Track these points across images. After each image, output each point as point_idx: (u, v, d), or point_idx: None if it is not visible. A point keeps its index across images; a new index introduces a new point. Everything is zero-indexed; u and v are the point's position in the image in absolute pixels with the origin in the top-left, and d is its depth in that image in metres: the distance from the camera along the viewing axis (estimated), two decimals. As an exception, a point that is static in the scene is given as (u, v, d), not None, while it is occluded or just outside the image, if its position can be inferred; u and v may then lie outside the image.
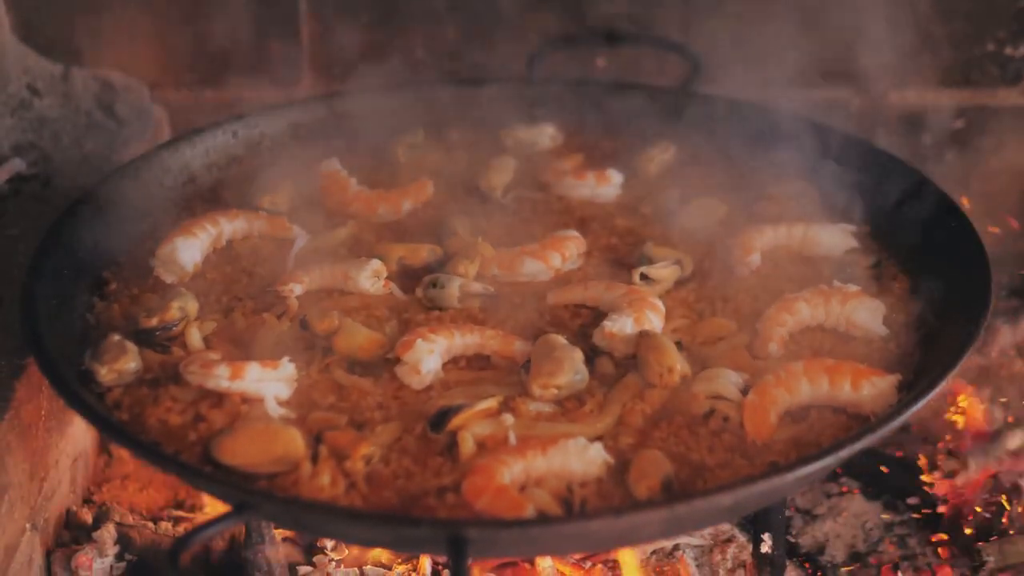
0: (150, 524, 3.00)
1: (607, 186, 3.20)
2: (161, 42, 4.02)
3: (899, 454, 3.31)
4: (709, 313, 2.74)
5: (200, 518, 3.07)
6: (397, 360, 2.52)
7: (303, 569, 2.92)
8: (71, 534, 2.96)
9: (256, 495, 2.18)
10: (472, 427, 2.34)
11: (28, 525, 2.75)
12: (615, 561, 2.91)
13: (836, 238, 2.93)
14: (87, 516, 3.00)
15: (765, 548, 2.74)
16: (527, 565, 2.84)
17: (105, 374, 2.49)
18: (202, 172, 3.25)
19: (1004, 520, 3.04)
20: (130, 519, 3.01)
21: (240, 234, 3.00)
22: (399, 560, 2.93)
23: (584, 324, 2.69)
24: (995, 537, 3.04)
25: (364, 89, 3.63)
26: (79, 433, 3.10)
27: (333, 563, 2.91)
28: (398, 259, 2.87)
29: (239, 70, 4.01)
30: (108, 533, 2.92)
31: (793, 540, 3.11)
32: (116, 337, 2.56)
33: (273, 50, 4.00)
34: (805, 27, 3.86)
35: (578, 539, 2.20)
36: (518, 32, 3.94)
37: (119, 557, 2.91)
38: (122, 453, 3.26)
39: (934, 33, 3.93)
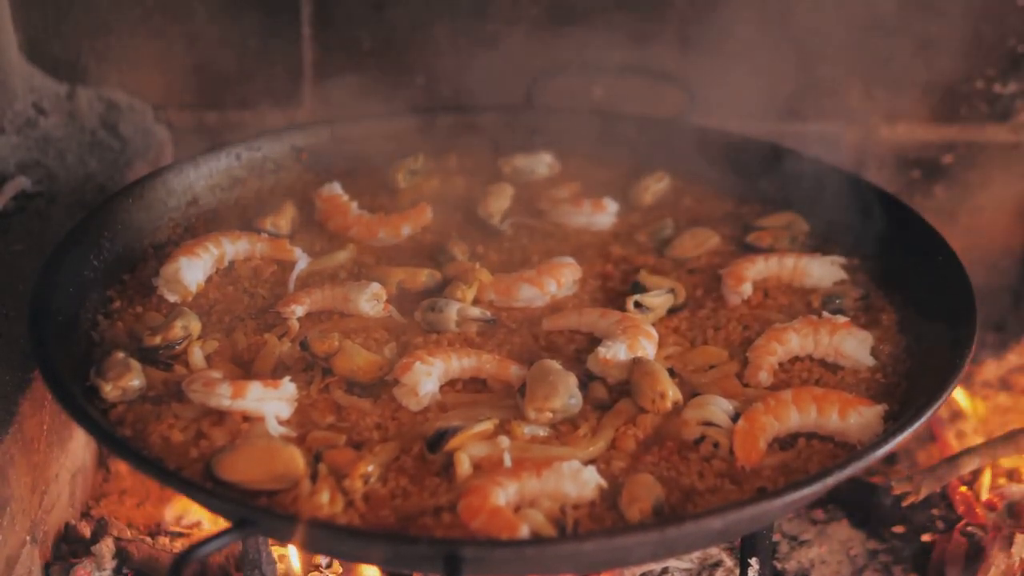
0: (148, 539, 3.04)
1: (602, 214, 3.25)
2: (165, 64, 4.06)
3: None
4: (701, 341, 2.80)
5: (198, 534, 3.10)
6: (395, 382, 2.57)
7: (298, 586, 2.96)
8: (69, 548, 2.99)
9: (256, 512, 2.22)
10: (468, 448, 2.39)
11: (28, 538, 2.78)
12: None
13: (826, 270, 2.98)
14: (85, 530, 3.03)
15: (752, 573, 2.78)
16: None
17: (109, 391, 2.54)
18: (205, 193, 3.29)
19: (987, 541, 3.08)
20: (128, 534, 3.04)
21: (242, 255, 3.05)
22: (393, 578, 2.96)
23: (579, 350, 2.74)
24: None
25: (365, 114, 3.69)
26: (79, 448, 3.13)
27: (328, 580, 2.95)
28: (397, 283, 2.91)
29: (242, 93, 4.06)
30: (107, 547, 2.95)
31: (779, 566, 3.15)
32: (120, 355, 2.61)
33: (276, 74, 4.05)
34: (798, 62, 3.93)
35: (571, 560, 2.24)
36: (517, 60, 3.99)
37: (117, 571, 2.94)
38: (121, 468, 3.29)
39: (925, 69, 3.99)
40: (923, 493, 3.13)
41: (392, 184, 3.41)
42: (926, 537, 3.22)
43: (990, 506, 3.19)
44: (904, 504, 3.15)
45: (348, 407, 2.55)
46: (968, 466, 3.15)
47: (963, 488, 3.26)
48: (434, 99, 4.04)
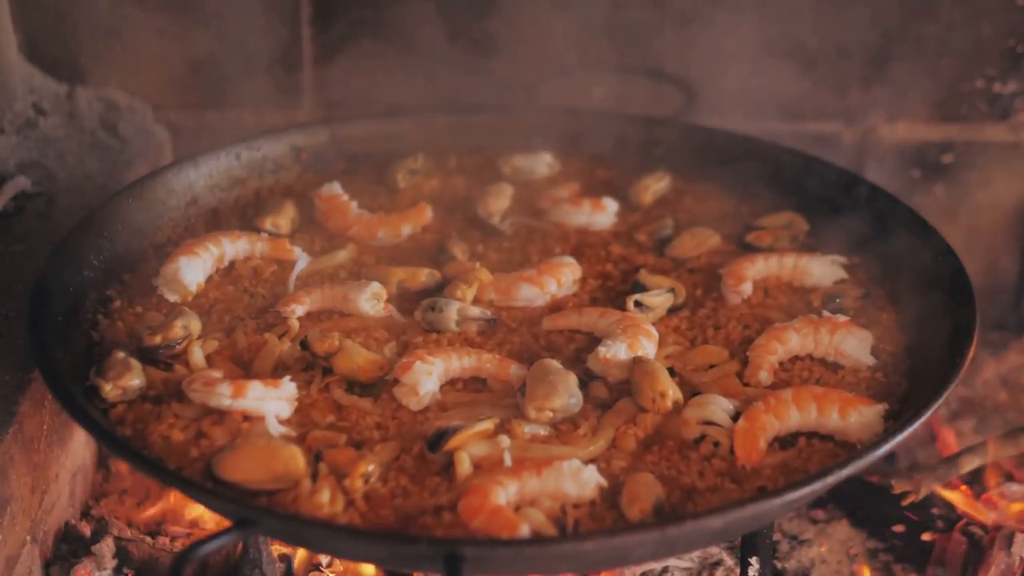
0: (148, 539, 3.04)
1: (602, 214, 3.25)
2: (165, 64, 4.07)
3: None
4: (701, 340, 2.80)
5: (199, 533, 3.10)
6: (396, 381, 2.57)
7: (298, 585, 2.96)
8: (69, 547, 2.99)
9: (257, 511, 2.22)
10: (469, 448, 2.39)
11: (28, 538, 2.78)
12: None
13: (826, 269, 2.98)
14: (86, 530, 3.03)
15: (752, 572, 2.78)
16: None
17: (109, 391, 2.54)
18: (205, 193, 3.29)
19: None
20: (128, 533, 3.04)
21: (242, 255, 3.05)
22: (394, 577, 2.96)
23: (579, 349, 2.75)
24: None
25: (365, 114, 3.69)
26: (79, 447, 3.13)
27: (328, 580, 2.95)
28: (397, 282, 2.92)
29: (242, 93, 4.06)
30: (107, 547, 2.95)
31: (780, 565, 3.15)
32: (120, 354, 2.61)
33: (275, 73, 4.05)
34: (798, 61, 3.94)
35: (571, 559, 2.24)
36: (517, 60, 3.99)
37: (117, 571, 2.95)
38: (121, 468, 3.29)
39: (925, 69, 4.00)
40: (923, 492, 3.14)
41: (392, 184, 3.42)
42: (926, 537, 3.22)
43: (989, 504, 3.19)
44: (904, 503, 3.16)
45: (348, 406, 2.55)
46: (968, 465, 3.15)
47: (963, 487, 3.26)
48: (434, 99, 4.05)
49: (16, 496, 2.70)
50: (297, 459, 2.34)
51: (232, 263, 3.04)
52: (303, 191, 3.37)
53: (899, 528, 3.25)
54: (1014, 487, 3.26)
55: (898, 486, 3.18)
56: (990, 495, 3.25)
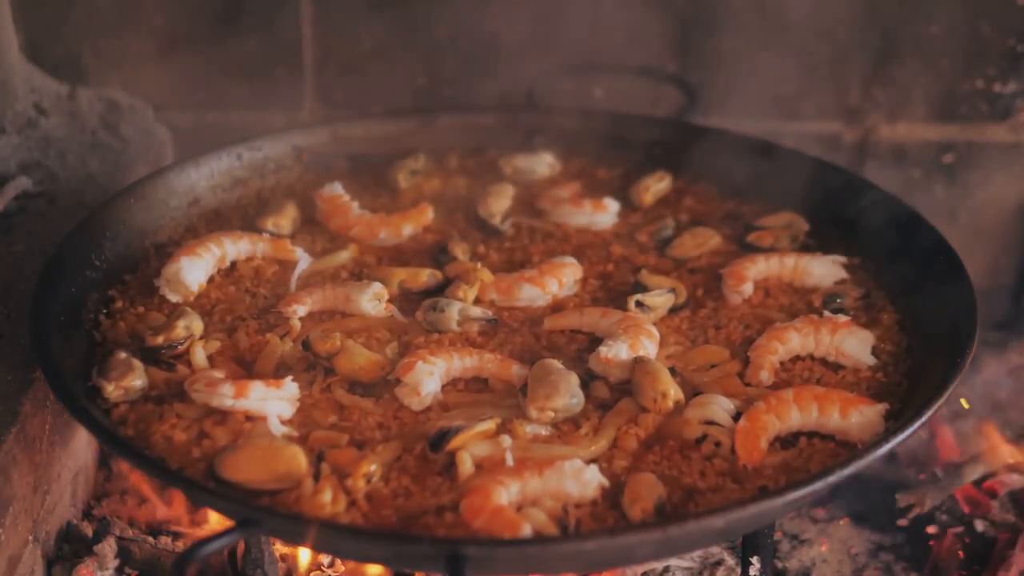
0: (150, 539, 3.04)
1: (603, 214, 3.25)
2: (166, 64, 4.07)
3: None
4: (702, 340, 2.80)
5: (200, 533, 3.11)
6: (397, 381, 2.58)
7: (300, 585, 2.96)
8: (71, 547, 3.00)
9: (259, 511, 2.22)
10: (470, 448, 2.39)
11: (31, 537, 2.79)
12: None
13: (827, 269, 2.99)
14: (87, 530, 3.03)
15: (753, 571, 2.79)
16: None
17: (112, 391, 2.54)
18: (207, 193, 3.30)
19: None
20: (130, 533, 3.04)
21: (244, 255, 3.05)
22: (395, 577, 2.97)
23: (580, 349, 2.75)
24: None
25: (365, 114, 3.70)
26: (81, 447, 3.14)
27: (330, 579, 2.96)
28: (399, 282, 2.92)
29: (242, 93, 4.07)
30: (109, 547, 2.95)
31: (781, 564, 3.16)
32: (123, 354, 2.61)
33: (276, 74, 4.06)
34: (799, 61, 3.94)
35: (573, 559, 2.24)
36: (517, 60, 4.00)
37: (119, 571, 2.95)
38: (123, 467, 3.30)
39: (925, 69, 4.00)
40: (928, 505, 3.15)
41: (393, 184, 3.42)
42: (930, 529, 3.22)
43: (990, 491, 3.18)
44: (909, 516, 3.17)
45: (350, 407, 2.56)
46: (972, 475, 3.16)
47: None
48: (434, 99, 4.05)
49: (18, 496, 2.70)
50: (299, 459, 2.34)
51: (234, 263, 3.04)
52: (304, 191, 3.37)
53: (902, 523, 3.25)
54: (1014, 477, 3.25)
55: (902, 500, 3.20)
56: (992, 484, 3.24)
